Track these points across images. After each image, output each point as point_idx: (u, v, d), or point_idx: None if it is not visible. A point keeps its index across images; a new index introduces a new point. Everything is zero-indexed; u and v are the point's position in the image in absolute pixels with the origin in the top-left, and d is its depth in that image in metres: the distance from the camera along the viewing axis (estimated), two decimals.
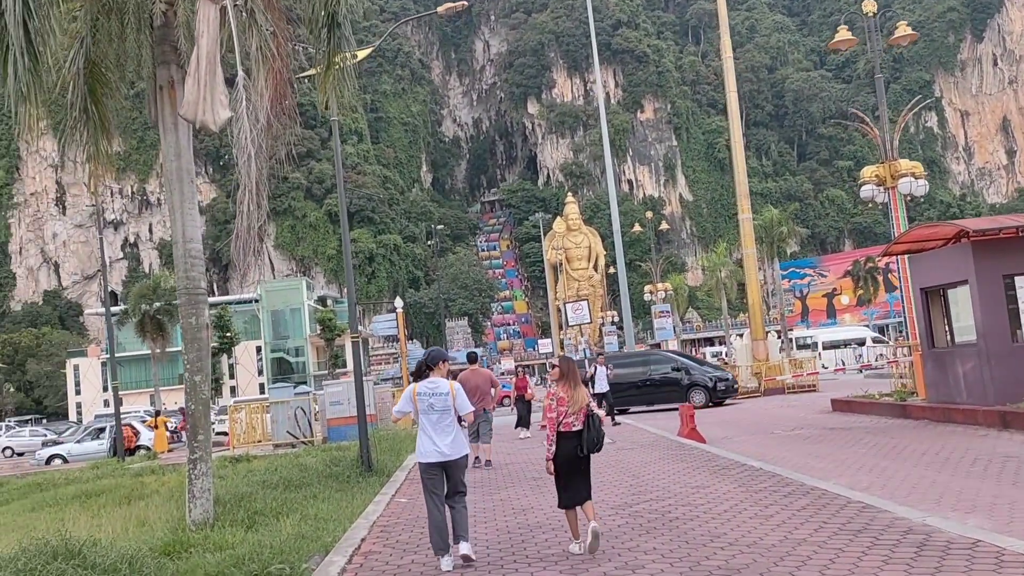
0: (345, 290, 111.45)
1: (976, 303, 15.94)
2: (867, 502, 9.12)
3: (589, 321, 74.76)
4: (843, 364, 46.84)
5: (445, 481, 8.06)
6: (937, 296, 17.81)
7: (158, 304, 51.24)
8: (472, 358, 16.57)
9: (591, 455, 8.06)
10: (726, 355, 45.78)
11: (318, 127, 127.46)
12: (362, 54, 16.78)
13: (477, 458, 15.31)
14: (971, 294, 16.10)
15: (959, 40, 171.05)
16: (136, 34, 11.44)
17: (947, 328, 17.58)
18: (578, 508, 8.03)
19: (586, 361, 34.48)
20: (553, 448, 8.00)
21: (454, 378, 9.35)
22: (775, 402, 29.08)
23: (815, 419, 20.96)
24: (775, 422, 21.19)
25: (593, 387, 21.42)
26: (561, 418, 7.99)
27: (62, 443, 34.94)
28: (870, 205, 22.43)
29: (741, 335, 35.46)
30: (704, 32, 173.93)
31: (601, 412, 9.73)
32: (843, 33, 21.36)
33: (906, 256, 20.38)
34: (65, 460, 31.60)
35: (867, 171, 21.83)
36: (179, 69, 10.93)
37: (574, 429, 7.98)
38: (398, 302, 31.60)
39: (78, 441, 33.36)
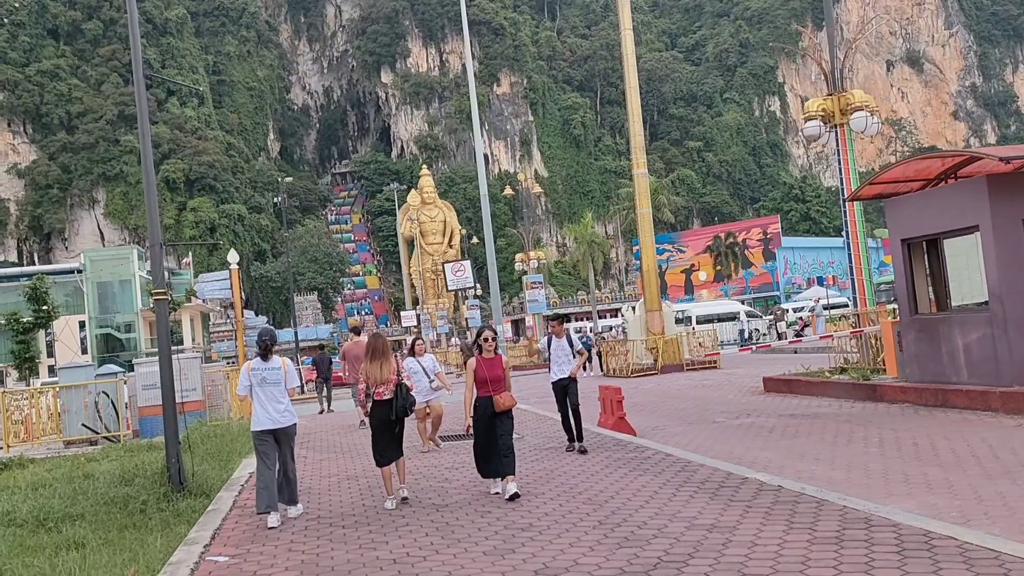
0: (183, 261, 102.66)
1: (991, 255, 12.35)
2: None
3: (472, 284, 70.71)
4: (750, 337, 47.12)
5: (276, 448, 8.60)
6: (921, 250, 14.24)
7: None
8: (356, 330, 18.83)
9: (403, 419, 9.11)
10: (623, 329, 42.25)
11: (153, 87, 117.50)
12: None
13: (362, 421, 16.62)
14: (983, 244, 12.52)
15: (801, 27, 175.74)
16: None
17: (942, 289, 13.97)
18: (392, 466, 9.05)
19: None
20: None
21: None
22: (680, 381, 25.09)
23: (753, 403, 17.20)
24: (705, 407, 17.30)
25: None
26: (371, 388, 9.08)
27: None
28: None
29: (634, 307, 31.75)
30: (560, 8, 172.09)
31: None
32: None
33: (856, 204, 16.93)
34: None
35: (813, 104, 18.16)
36: None
37: (384, 398, 9.02)
38: (232, 256, 25.88)
39: None
